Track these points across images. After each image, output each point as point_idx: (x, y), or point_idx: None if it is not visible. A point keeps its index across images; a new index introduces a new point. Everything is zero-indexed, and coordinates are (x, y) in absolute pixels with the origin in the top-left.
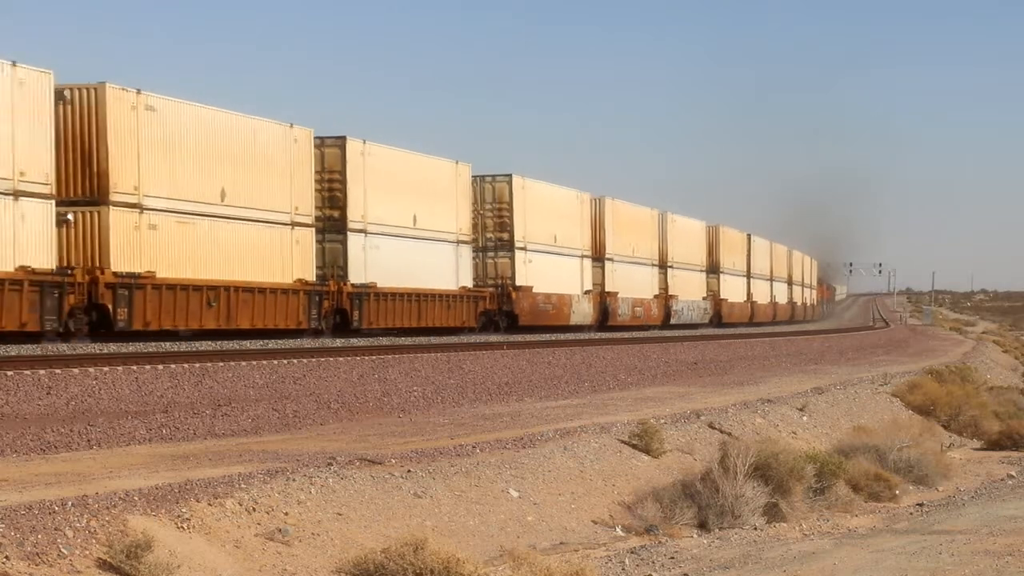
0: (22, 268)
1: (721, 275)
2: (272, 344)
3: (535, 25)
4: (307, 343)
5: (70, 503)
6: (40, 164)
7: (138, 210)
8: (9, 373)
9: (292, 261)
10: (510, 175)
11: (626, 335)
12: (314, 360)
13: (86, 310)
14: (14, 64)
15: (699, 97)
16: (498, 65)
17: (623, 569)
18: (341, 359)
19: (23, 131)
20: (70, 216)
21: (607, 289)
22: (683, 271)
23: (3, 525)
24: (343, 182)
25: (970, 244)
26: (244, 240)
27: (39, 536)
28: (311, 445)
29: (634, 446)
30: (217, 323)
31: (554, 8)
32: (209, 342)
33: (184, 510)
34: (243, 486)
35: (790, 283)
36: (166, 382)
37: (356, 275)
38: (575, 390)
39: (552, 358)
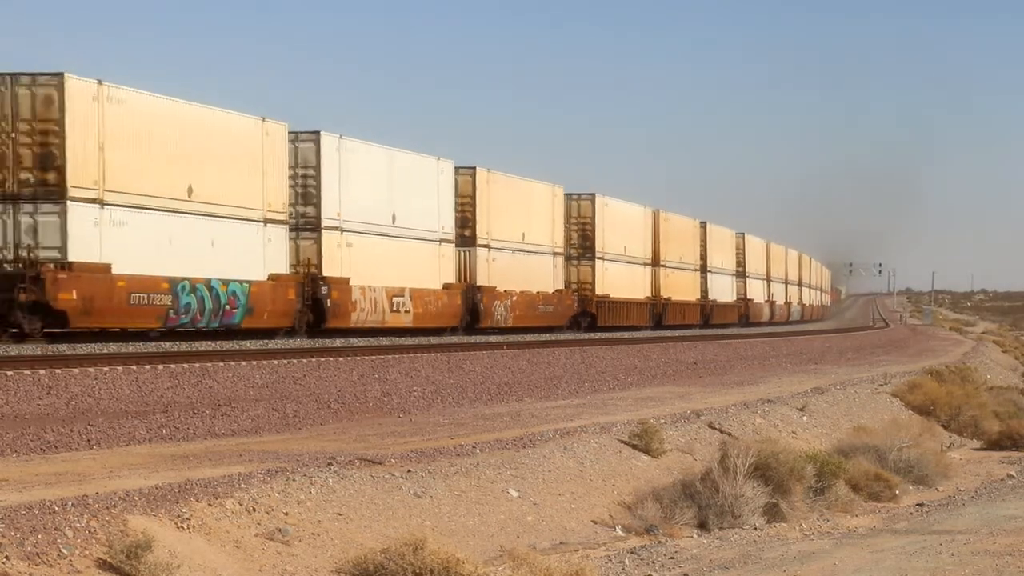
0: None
1: (801, 287)
2: (271, 344)
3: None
4: (306, 343)
5: (70, 503)
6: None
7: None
8: (9, 373)
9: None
10: (743, 233)
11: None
12: (314, 360)
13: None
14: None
15: (702, 100)
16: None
17: (623, 569)
18: (341, 359)
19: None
20: None
21: (773, 299)
22: (789, 285)
23: (3, 525)
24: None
25: (970, 244)
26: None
27: (39, 536)
28: (311, 445)
29: (634, 446)
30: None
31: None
32: (209, 342)
33: (184, 510)
34: (243, 486)
35: (820, 289)
36: (166, 382)
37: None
38: (575, 390)
39: (552, 358)
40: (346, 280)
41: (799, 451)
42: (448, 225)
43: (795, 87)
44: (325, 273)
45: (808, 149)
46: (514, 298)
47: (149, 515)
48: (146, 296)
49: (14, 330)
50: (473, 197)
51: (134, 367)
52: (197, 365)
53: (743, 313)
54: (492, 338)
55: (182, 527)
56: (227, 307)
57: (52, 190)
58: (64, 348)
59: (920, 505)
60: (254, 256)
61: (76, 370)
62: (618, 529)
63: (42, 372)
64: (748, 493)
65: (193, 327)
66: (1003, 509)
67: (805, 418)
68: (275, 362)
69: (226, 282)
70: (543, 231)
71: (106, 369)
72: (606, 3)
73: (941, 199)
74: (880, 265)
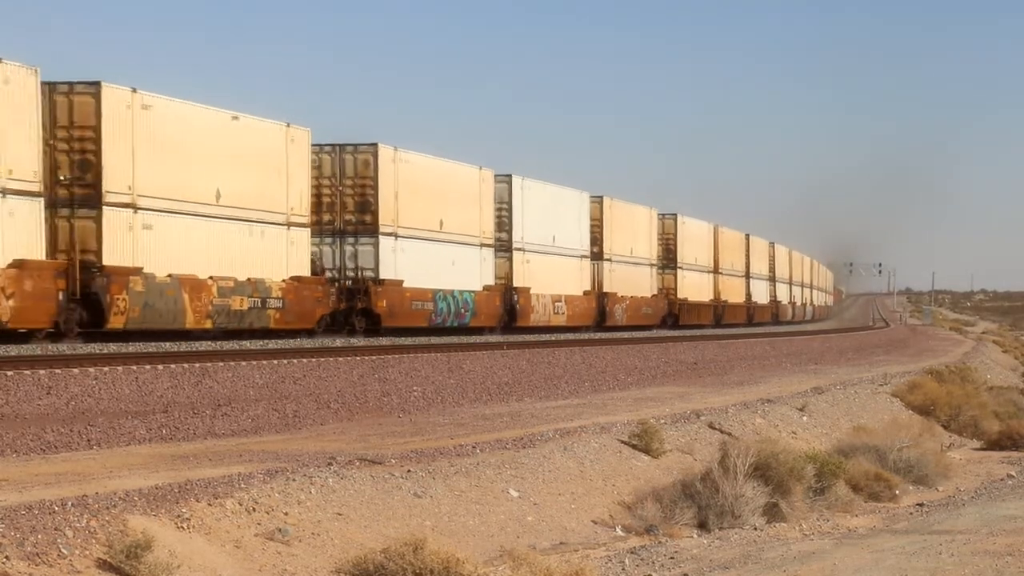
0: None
1: (812, 289)
2: (272, 344)
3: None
4: (307, 343)
5: (70, 503)
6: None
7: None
8: (9, 373)
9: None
10: (773, 243)
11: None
12: (314, 360)
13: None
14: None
15: (702, 101)
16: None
17: (623, 569)
18: (341, 359)
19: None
20: None
21: (794, 300)
22: (804, 288)
23: (3, 525)
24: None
25: (970, 244)
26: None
27: (39, 536)
28: (311, 445)
29: (634, 446)
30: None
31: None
32: (209, 342)
33: (184, 510)
34: (243, 486)
35: (826, 291)
36: (166, 382)
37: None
38: (575, 390)
39: (552, 358)
40: (528, 289)
41: (799, 451)
42: (585, 243)
43: (795, 89)
44: (515, 284)
45: (809, 150)
46: (628, 301)
47: (149, 515)
48: (421, 303)
49: (347, 327)
50: (600, 220)
51: (134, 367)
52: (197, 365)
53: (774, 313)
54: (611, 335)
55: (182, 527)
56: (462, 310)
57: (368, 227)
58: (64, 348)
59: (920, 505)
60: (475, 272)
61: (76, 370)
62: (618, 529)
63: (42, 372)
64: (748, 493)
65: (443, 325)
66: (1003, 509)
67: (805, 418)
68: (275, 362)
69: (461, 292)
70: (644, 246)
71: (106, 369)
72: (619, 6)
73: (941, 199)
74: (880, 265)
